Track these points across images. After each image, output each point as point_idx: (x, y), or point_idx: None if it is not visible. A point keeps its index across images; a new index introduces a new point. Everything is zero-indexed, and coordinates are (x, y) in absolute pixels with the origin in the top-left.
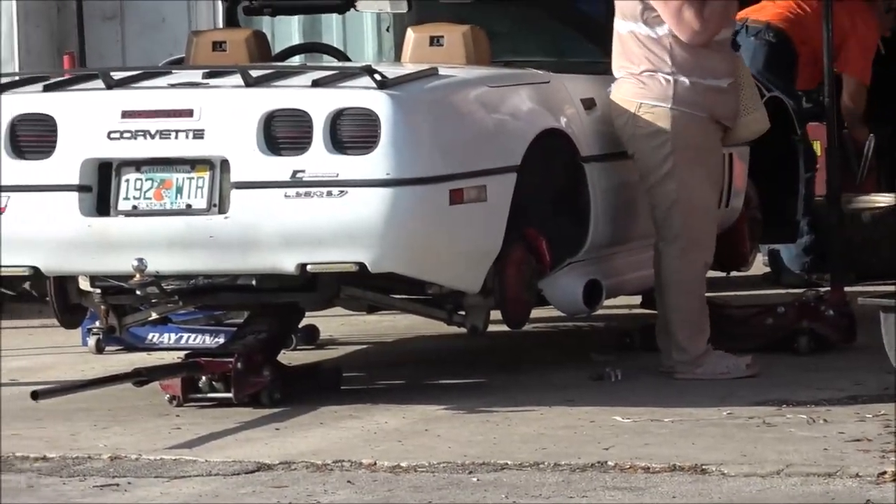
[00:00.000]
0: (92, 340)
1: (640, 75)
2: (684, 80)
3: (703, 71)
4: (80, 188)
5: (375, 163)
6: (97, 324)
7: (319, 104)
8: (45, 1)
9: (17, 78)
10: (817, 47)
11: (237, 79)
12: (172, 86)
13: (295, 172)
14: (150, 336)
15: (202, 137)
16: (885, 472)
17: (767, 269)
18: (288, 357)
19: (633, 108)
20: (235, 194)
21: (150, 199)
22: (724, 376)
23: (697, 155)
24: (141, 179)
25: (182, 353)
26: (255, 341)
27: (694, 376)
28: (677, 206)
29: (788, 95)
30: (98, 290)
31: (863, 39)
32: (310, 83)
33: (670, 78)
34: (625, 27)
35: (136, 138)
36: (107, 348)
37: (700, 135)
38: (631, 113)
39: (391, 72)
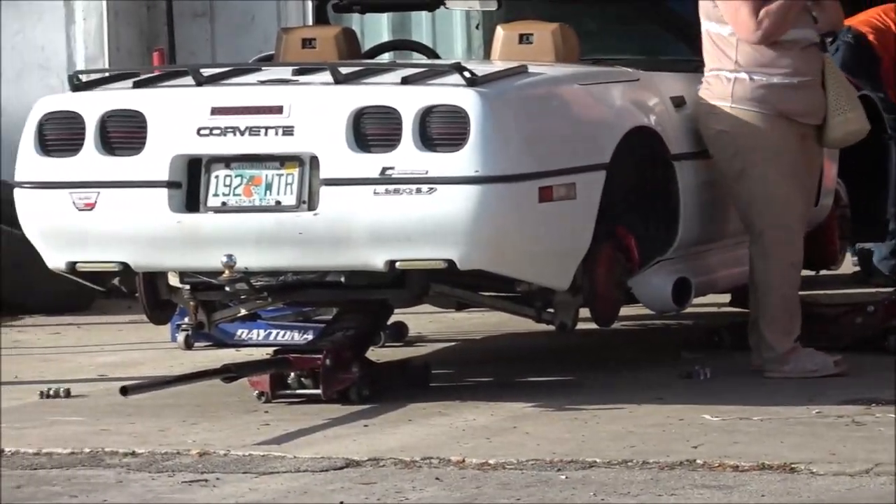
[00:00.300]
0: (181, 336)
1: (708, 74)
2: (745, 77)
3: (769, 68)
4: (170, 184)
5: (465, 160)
6: (186, 320)
7: (409, 101)
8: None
9: (106, 74)
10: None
11: (327, 76)
12: (262, 83)
13: (384, 169)
14: (238, 332)
15: (292, 134)
16: None
17: (857, 269)
18: (376, 354)
19: (702, 109)
20: (325, 191)
21: (239, 195)
22: (813, 374)
23: (768, 152)
24: (230, 176)
25: (271, 350)
26: (344, 338)
27: (782, 374)
28: (753, 206)
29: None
30: (187, 287)
31: None
32: (399, 80)
33: (731, 76)
34: (704, 26)
35: (225, 135)
36: (196, 344)
37: (768, 131)
38: (701, 113)
39: (480, 69)
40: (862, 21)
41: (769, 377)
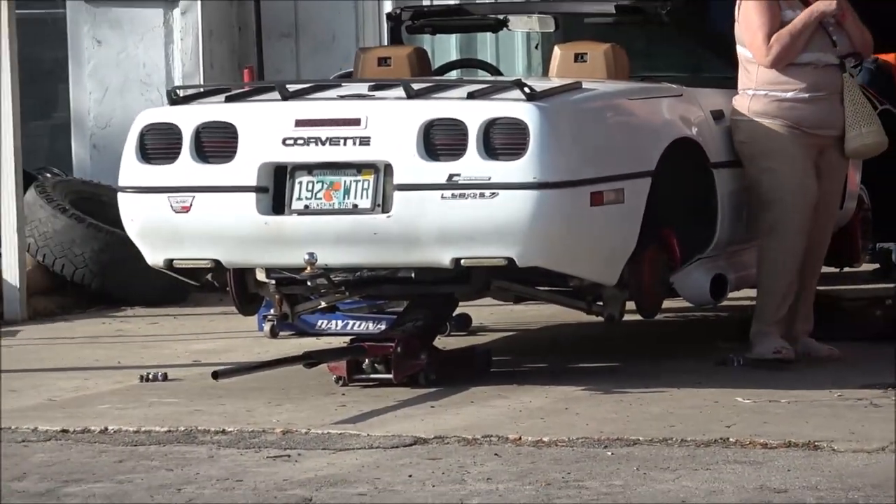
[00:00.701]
0: (267, 326)
1: (738, 93)
2: (762, 94)
3: (783, 86)
4: (258, 189)
5: (524, 168)
6: (272, 311)
7: (474, 114)
8: (227, 20)
9: (201, 89)
10: None
11: (400, 91)
12: (342, 97)
13: (451, 176)
14: (319, 323)
15: (368, 144)
16: None
17: (877, 266)
18: (443, 342)
19: (731, 124)
20: (397, 195)
21: (320, 199)
22: (777, 355)
23: (780, 159)
24: (312, 182)
25: (348, 338)
26: (414, 328)
27: (747, 360)
28: (760, 205)
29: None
30: (273, 281)
31: None
32: (465, 95)
33: (751, 93)
34: (737, 48)
35: (308, 144)
36: (280, 333)
37: (777, 139)
38: (730, 128)
39: (539, 85)
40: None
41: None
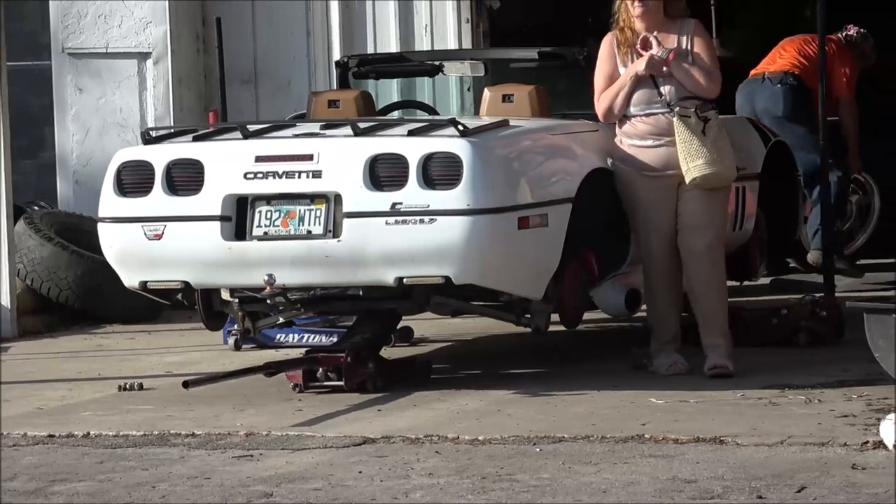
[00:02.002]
0: (231, 340)
1: None
2: (618, 141)
3: (627, 135)
4: (222, 218)
5: (459, 196)
6: (235, 327)
7: (414, 149)
8: (194, 69)
9: (172, 130)
10: (815, 84)
11: (348, 129)
12: (296, 135)
13: (394, 204)
14: (277, 336)
15: (320, 177)
16: (867, 442)
17: (769, 280)
18: (388, 352)
19: None
20: (346, 222)
21: (278, 226)
22: (671, 370)
23: (629, 201)
24: (271, 211)
25: (303, 350)
26: (362, 340)
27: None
28: (633, 239)
29: (811, 128)
30: (236, 300)
31: (849, 67)
32: (406, 132)
33: (616, 140)
34: None
35: (267, 178)
36: (243, 346)
37: (628, 183)
38: None
39: (471, 123)
40: (790, 65)
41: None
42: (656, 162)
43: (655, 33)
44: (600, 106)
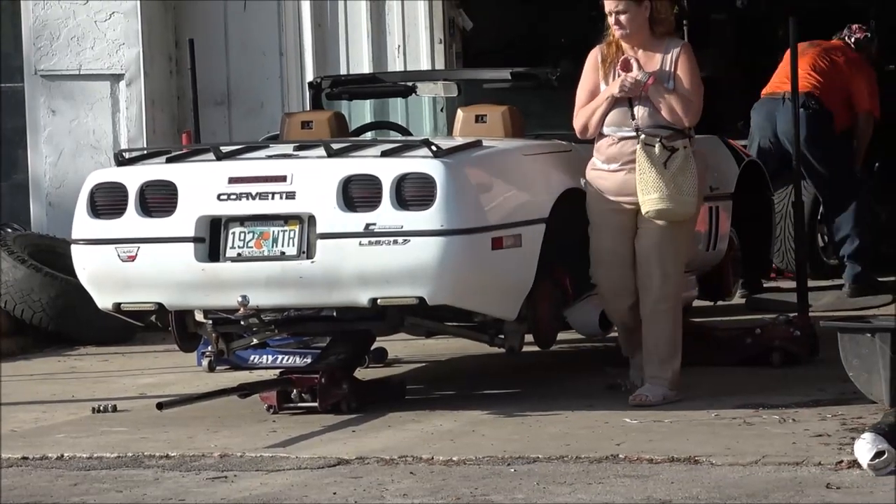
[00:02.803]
0: (205, 362)
1: None
2: (589, 161)
3: (596, 156)
4: (196, 240)
5: (432, 217)
6: (209, 348)
7: (387, 170)
8: (167, 91)
9: (145, 152)
10: (833, 101)
11: (321, 151)
12: (269, 157)
13: (367, 225)
14: (251, 358)
15: (293, 198)
16: (842, 461)
17: (743, 299)
18: (362, 373)
19: None
20: (320, 243)
21: (251, 247)
22: (636, 401)
23: (591, 221)
24: (244, 232)
25: (277, 371)
26: (336, 361)
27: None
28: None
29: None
30: (210, 321)
31: (867, 78)
32: (379, 153)
33: (592, 159)
34: None
35: (240, 199)
36: (217, 368)
37: (591, 205)
38: None
39: (444, 144)
40: (808, 86)
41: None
42: (616, 187)
43: (640, 52)
44: (577, 122)
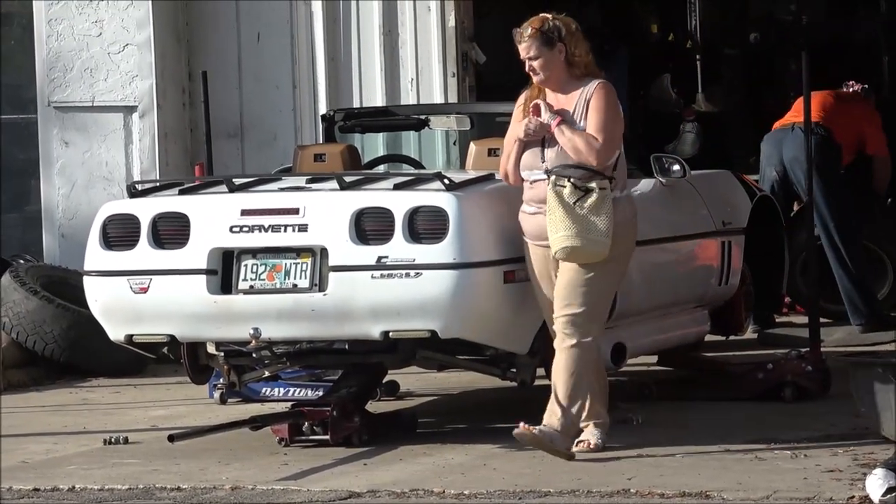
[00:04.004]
0: (217, 394)
1: None
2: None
3: (523, 199)
4: (208, 272)
5: (445, 250)
6: (221, 380)
7: (400, 203)
8: (180, 123)
9: (157, 184)
10: (841, 134)
11: (334, 183)
12: (282, 189)
13: (380, 258)
14: (263, 390)
15: (306, 230)
16: (853, 497)
17: (755, 335)
18: (374, 406)
19: None
20: (332, 276)
21: (263, 280)
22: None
23: (527, 262)
24: (257, 264)
25: (289, 404)
26: (348, 394)
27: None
28: None
29: (840, 181)
30: (222, 354)
31: (877, 123)
32: (392, 186)
33: None
34: None
35: (252, 231)
36: (229, 400)
37: (525, 247)
38: None
39: (457, 177)
40: (818, 115)
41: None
42: (534, 230)
43: (558, 95)
44: (500, 168)
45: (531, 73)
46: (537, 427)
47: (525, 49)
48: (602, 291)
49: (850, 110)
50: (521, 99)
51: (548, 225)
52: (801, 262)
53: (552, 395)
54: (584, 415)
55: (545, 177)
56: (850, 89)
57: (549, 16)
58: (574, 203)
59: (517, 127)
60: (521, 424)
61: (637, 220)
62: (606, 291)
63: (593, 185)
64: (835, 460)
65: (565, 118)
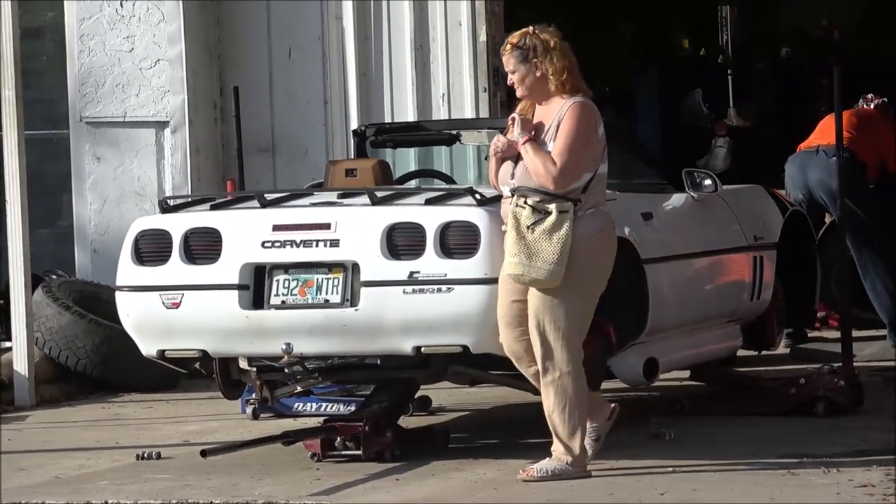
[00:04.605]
0: (249, 409)
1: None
2: None
3: None
4: (240, 287)
5: (476, 265)
6: (253, 396)
7: (431, 218)
8: (212, 138)
9: (189, 199)
10: (864, 153)
11: (365, 198)
12: (314, 204)
13: (411, 273)
14: (295, 405)
15: (337, 246)
16: None
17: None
18: (406, 421)
19: None
20: (364, 291)
21: (295, 295)
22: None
23: None
24: (288, 279)
25: (321, 419)
26: (380, 409)
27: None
28: None
29: (865, 201)
30: (254, 369)
31: (892, 136)
32: (423, 202)
33: None
34: None
35: (284, 247)
36: (261, 415)
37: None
38: None
39: (488, 192)
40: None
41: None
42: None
43: (539, 109)
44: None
45: (515, 86)
46: (537, 467)
47: (505, 63)
48: (571, 317)
49: (870, 128)
50: (517, 109)
51: (505, 246)
52: (836, 270)
53: (553, 436)
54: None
55: (509, 195)
56: (871, 104)
57: (529, 30)
58: (529, 226)
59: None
60: (522, 472)
61: (609, 235)
62: (576, 316)
63: (552, 207)
64: (868, 475)
65: (537, 136)
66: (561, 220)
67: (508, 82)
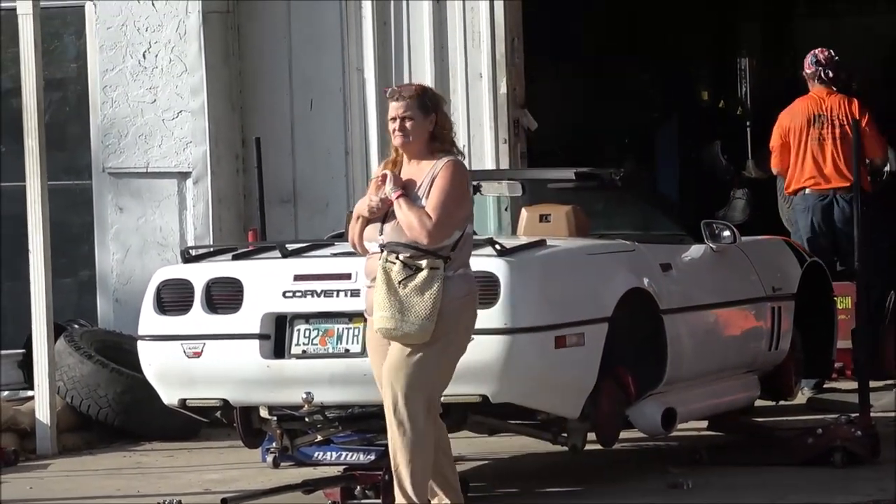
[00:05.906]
0: (270, 458)
1: None
2: None
3: None
4: (261, 336)
5: (496, 315)
6: (274, 444)
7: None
8: (234, 189)
9: (211, 249)
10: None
11: None
12: (335, 255)
13: None
14: (315, 454)
15: (358, 296)
16: None
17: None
18: None
19: None
20: None
21: (316, 344)
22: None
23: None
24: (309, 329)
25: (341, 468)
26: None
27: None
28: None
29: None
30: (275, 418)
31: (877, 134)
32: None
33: None
34: None
35: (305, 296)
36: (282, 464)
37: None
38: None
39: (508, 243)
40: (844, 174)
41: None
42: (369, 304)
43: (413, 163)
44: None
45: (399, 133)
46: None
47: (401, 107)
48: (429, 373)
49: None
50: (380, 168)
51: (374, 301)
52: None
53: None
54: None
55: (378, 251)
56: (826, 71)
57: (426, 85)
58: (400, 282)
59: (365, 200)
60: None
61: (475, 298)
62: (435, 373)
63: (423, 263)
64: None
65: (408, 192)
66: (432, 276)
67: (395, 128)
